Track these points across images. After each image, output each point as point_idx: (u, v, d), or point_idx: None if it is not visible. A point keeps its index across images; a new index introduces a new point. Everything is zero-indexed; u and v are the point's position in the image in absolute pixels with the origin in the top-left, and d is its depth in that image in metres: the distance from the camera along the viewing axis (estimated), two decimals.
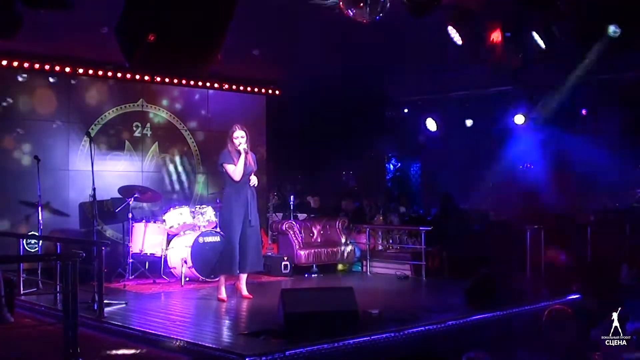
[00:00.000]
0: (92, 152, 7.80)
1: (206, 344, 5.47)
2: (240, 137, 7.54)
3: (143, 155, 10.79)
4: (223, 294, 7.57)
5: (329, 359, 5.33)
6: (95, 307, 6.60)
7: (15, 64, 9.58)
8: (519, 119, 12.57)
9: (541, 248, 9.39)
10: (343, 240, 10.37)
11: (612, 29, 8.05)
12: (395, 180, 15.92)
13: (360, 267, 10.45)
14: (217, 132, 10.83)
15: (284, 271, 9.60)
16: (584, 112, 11.68)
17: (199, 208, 9.44)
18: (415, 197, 15.51)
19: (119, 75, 10.46)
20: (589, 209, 11.53)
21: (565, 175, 12.96)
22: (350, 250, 10.33)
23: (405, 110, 14.46)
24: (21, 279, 7.71)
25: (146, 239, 9.03)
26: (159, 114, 11.00)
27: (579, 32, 8.22)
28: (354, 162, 14.60)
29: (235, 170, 7.48)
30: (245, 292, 7.73)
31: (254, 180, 7.65)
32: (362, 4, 6.62)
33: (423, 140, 14.43)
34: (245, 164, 7.50)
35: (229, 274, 7.64)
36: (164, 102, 11.07)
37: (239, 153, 7.50)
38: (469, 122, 13.31)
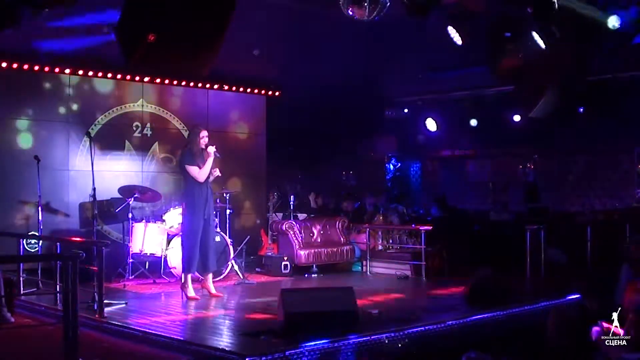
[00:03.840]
0: (92, 152, 7.81)
1: (206, 344, 5.47)
2: (205, 136, 7.69)
3: (143, 155, 10.79)
4: (192, 292, 7.59)
5: (329, 359, 5.33)
6: (95, 307, 6.60)
7: (15, 65, 9.59)
8: (518, 119, 12.56)
9: (541, 248, 9.39)
10: (343, 240, 10.37)
11: (613, 19, 7.90)
12: (395, 180, 15.92)
13: (360, 267, 10.44)
14: (217, 132, 10.84)
15: (284, 271, 9.59)
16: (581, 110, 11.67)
17: None
18: (415, 197, 15.52)
19: (119, 75, 10.47)
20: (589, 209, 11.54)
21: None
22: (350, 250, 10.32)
23: (405, 110, 14.46)
24: (21, 279, 7.72)
25: (146, 239, 9.03)
26: (159, 114, 11.00)
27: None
28: (354, 162, 14.61)
29: (200, 173, 7.56)
30: (214, 290, 7.80)
31: (217, 172, 7.73)
32: (362, 4, 6.62)
33: (423, 140, 14.43)
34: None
35: (191, 272, 7.67)
36: (164, 102, 11.08)
37: (205, 154, 7.57)
38: (473, 122, 13.28)
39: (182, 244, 7.80)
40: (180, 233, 9.08)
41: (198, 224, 7.54)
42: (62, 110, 10.06)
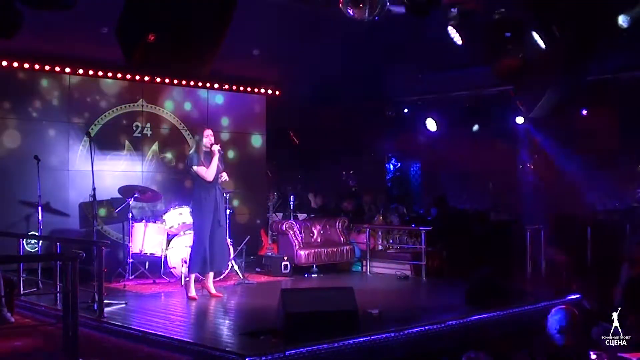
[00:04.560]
0: (92, 152, 7.81)
1: (206, 344, 5.47)
2: (210, 135, 7.69)
3: (143, 155, 10.79)
4: (193, 292, 7.62)
5: (329, 359, 5.33)
6: (95, 307, 6.60)
7: (16, 64, 9.59)
8: (519, 119, 12.55)
9: (541, 248, 9.38)
10: (343, 240, 10.36)
11: (622, 18, 7.85)
12: (395, 180, 15.90)
13: (360, 267, 10.44)
14: (217, 131, 10.83)
15: (284, 271, 9.59)
16: (584, 112, 11.66)
17: None
18: (415, 197, 15.50)
19: (119, 75, 10.47)
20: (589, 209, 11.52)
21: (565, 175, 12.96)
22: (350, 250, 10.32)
23: (405, 110, 14.45)
24: (21, 279, 7.72)
25: (146, 239, 9.02)
26: (159, 114, 11.00)
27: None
28: (354, 162, 14.59)
29: (207, 172, 7.54)
30: (213, 290, 7.80)
31: (225, 176, 7.74)
32: (361, 4, 6.62)
33: (423, 140, 14.42)
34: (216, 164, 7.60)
35: (200, 273, 7.75)
36: (164, 102, 11.08)
37: (211, 153, 7.57)
38: (475, 127, 13.29)
39: (192, 245, 7.83)
40: (183, 233, 9.13)
41: (207, 225, 7.53)
42: (62, 110, 10.05)
